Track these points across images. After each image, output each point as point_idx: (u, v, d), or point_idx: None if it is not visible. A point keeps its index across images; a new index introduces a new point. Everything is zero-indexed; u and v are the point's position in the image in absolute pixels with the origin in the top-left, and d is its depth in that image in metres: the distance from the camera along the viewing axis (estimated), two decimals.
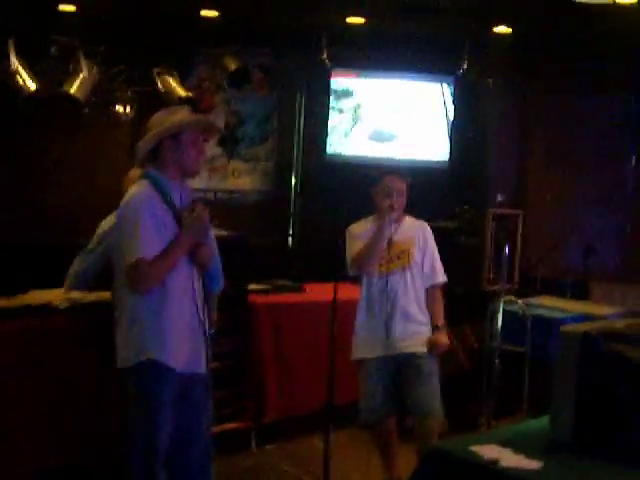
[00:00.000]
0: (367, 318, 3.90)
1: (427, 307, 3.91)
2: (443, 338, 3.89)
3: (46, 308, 3.92)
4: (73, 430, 3.84)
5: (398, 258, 3.87)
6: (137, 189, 2.99)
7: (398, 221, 3.93)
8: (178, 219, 2.97)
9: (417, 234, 3.94)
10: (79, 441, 3.87)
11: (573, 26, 5.80)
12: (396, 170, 4.03)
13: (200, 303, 3.02)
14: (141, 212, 2.88)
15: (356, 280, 5.11)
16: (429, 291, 3.95)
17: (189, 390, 3.04)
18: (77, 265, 3.83)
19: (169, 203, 2.97)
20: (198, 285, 3.05)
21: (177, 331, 2.97)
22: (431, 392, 3.78)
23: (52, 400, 3.81)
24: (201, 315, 3.02)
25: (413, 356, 3.80)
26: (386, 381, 3.86)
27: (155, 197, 2.95)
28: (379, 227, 3.81)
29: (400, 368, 3.84)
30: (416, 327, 3.86)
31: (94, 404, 3.86)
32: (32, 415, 3.75)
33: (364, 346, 3.88)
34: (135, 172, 3.96)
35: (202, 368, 3.06)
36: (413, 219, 4.01)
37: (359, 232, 3.94)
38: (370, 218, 3.99)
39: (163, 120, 3.02)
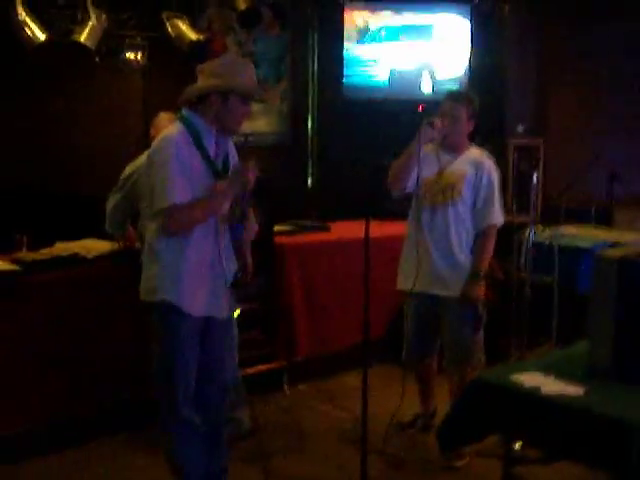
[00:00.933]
0: (408, 249, 3.76)
1: (473, 249, 3.70)
2: (474, 291, 3.66)
3: (73, 259, 3.95)
4: (107, 374, 3.94)
5: (443, 193, 3.67)
6: (169, 133, 2.95)
7: (457, 151, 3.71)
8: (210, 166, 2.93)
9: (472, 170, 3.67)
10: (111, 387, 3.97)
11: None
12: (456, 94, 3.86)
13: (223, 248, 3.00)
14: (171, 158, 2.84)
15: (380, 217, 5.13)
16: (479, 234, 3.72)
17: (210, 331, 3.05)
18: (107, 207, 3.98)
19: (202, 148, 2.92)
20: (223, 230, 3.03)
21: (195, 276, 2.96)
22: (459, 340, 3.69)
23: (84, 348, 3.89)
24: (223, 261, 3.00)
25: (450, 299, 3.68)
26: (425, 321, 3.78)
27: (187, 141, 2.90)
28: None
29: (439, 310, 3.74)
30: (454, 268, 3.68)
31: (126, 349, 3.93)
32: (64, 363, 3.83)
33: (405, 278, 3.75)
34: (165, 115, 3.95)
35: (223, 313, 3.07)
36: (478, 152, 3.76)
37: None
38: (429, 146, 3.73)
39: (218, 72, 2.93)
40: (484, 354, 3.82)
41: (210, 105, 2.93)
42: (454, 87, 6.37)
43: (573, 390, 2.42)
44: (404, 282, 3.76)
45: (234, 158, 3.11)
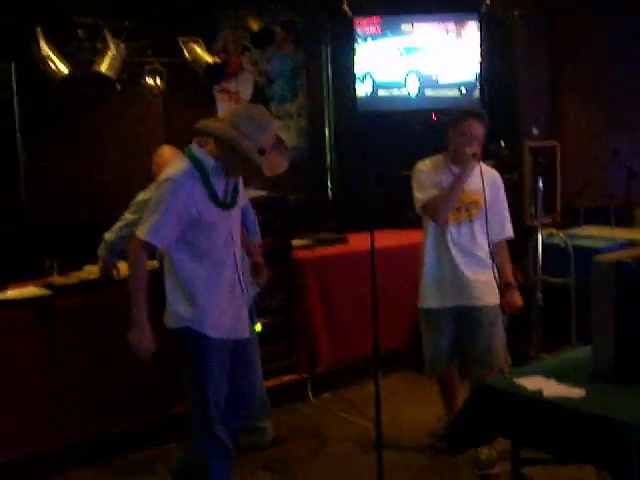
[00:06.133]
0: (437, 266, 3.79)
1: (495, 262, 3.75)
2: (518, 299, 3.81)
3: (102, 281, 4.09)
4: (134, 396, 4.08)
5: (466, 210, 3.73)
6: (174, 170, 3.02)
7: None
8: (215, 200, 3.01)
9: (488, 184, 3.73)
10: (141, 403, 4.12)
11: None
12: (476, 112, 3.79)
13: (241, 270, 3.14)
14: (169, 197, 2.93)
15: (398, 226, 5.23)
16: (496, 245, 3.80)
17: (236, 350, 3.18)
18: (114, 230, 3.98)
19: (208, 184, 3.00)
20: (239, 252, 3.16)
21: (218, 300, 3.08)
22: (490, 346, 3.76)
23: (114, 369, 4.03)
24: (242, 282, 3.14)
25: (478, 308, 3.75)
26: (450, 331, 3.84)
27: (193, 177, 2.98)
28: (458, 177, 3.64)
29: (463, 318, 3.81)
30: (487, 277, 3.75)
31: (155, 371, 4.07)
32: (94, 384, 3.98)
33: (433, 296, 3.81)
34: (167, 149, 4.06)
35: (245, 334, 3.20)
36: (486, 167, 3.81)
37: (429, 173, 3.77)
38: (439, 157, 3.82)
39: (237, 123, 2.97)
40: (509, 355, 3.91)
41: (220, 151, 3.03)
42: (463, 92, 6.44)
43: (575, 392, 2.47)
44: (431, 300, 3.84)
45: (242, 186, 3.23)
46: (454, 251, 3.76)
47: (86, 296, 4.02)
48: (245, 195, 3.33)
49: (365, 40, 6.58)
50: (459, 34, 6.62)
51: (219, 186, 3.05)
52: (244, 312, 3.20)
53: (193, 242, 3.01)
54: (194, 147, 3.08)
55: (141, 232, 2.96)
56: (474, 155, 3.61)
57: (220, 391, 3.13)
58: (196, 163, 3.01)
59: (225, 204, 3.07)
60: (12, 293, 3.92)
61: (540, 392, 2.49)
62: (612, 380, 2.55)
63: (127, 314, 3.98)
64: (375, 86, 6.64)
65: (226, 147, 2.99)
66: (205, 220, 2.99)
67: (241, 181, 3.22)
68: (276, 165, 3.12)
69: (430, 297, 3.84)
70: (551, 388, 2.52)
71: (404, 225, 5.19)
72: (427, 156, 3.91)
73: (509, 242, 3.97)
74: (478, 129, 3.68)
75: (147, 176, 4.10)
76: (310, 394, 4.78)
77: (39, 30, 5.40)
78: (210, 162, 3.02)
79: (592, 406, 2.38)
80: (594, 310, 2.67)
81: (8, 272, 4.18)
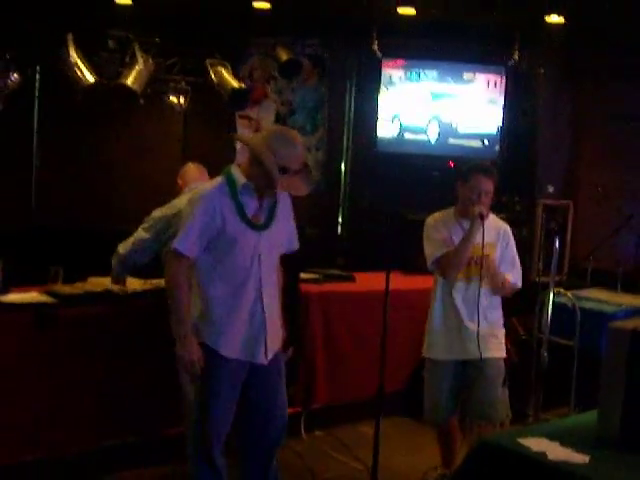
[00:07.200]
0: (444, 320, 3.79)
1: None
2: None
3: (106, 295, 4.07)
4: (131, 410, 4.03)
5: (476, 264, 3.72)
6: (208, 185, 3.20)
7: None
8: (243, 218, 3.09)
9: (498, 237, 3.76)
10: (137, 421, 4.06)
11: (627, 16, 5.71)
12: (485, 168, 3.79)
13: (268, 298, 3.17)
14: (199, 210, 3.08)
15: (406, 270, 5.20)
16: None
17: (254, 374, 3.18)
18: (127, 244, 3.96)
19: (237, 201, 3.09)
20: (269, 279, 3.19)
21: (232, 321, 3.11)
22: (493, 399, 3.74)
23: (113, 382, 3.99)
24: (264, 308, 3.15)
25: (482, 360, 3.73)
26: (455, 382, 3.83)
27: (224, 193, 3.09)
28: (467, 237, 3.66)
29: (467, 370, 3.80)
30: (495, 332, 3.79)
31: (152, 386, 4.03)
32: (94, 397, 3.94)
33: (440, 347, 3.80)
34: (192, 167, 4.08)
35: (260, 359, 3.17)
36: (495, 219, 3.83)
37: (439, 228, 3.79)
38: (450, 211, 3.84)
39: (268, 142, 3.08)
40: (510, 410, 3.87)
41: (251, 165, 3.14)
42: (485, 143, 6.47)
43: (579, 458, 2.43)
44: (437, 351, 3.83)
45: (285, 207, 3.26)
46: (462, 306, 3.76)
47: (89, 308, 3.98)
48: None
49: (391, 81, 6.63)
50: (485, 86, 6.68)
51: (250, 204, 3.13)
52: (262, 338, 3.17)
53: (216, 255, 3.09)
54: (232, 167, 3.20)
55: (173, 242, 3.10)
56: (480, 215, 3.62)
57: (225, 413, 3.11)
58: (229, 181, 3.13)
59: (253, 223, 3.12)
60: (14, 297, 3.88)
61: (544, 454, 2.45)
62: (617, 447, 2.51)
63: (127, 327, 4.02)
64: (402, 129, 6.70)
65: (254, 161, 3.10)
66: (228, 232, 3.06)
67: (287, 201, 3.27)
68: (296, 187, 3.15)
69: (436, 348, 3.84)
70: (555, 451, 2.48)
71: (411, 269, 5.16)
72: (442, 203, 3.92)
73: (514, 295, 3.94)
74: (487, 185, 3.69)
75: (162, 191, 4.10)
76: (302, 430, 4.72)
77: (70, 37, 5.45)
78: (241, 180, 3.12)
79: (596, 473, 2.34)
80: (604, 375, 2.64)
81: (11, 275, 4.15)
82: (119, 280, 4.11)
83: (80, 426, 3.91)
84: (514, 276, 3.83)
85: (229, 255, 3.09)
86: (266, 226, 3.16)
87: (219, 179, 3.17)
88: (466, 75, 6.69)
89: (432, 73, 6.67)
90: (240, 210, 3.09)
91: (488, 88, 6.70)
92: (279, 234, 3.24)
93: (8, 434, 3.67)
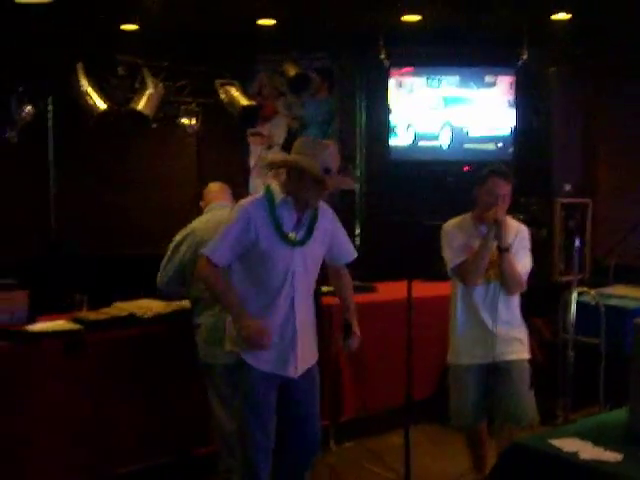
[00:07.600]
0: (467, 324, 3.79)
1: None
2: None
3: (130, 319, 4.10)
4: (161, 431, 4.06)
5: (493, 268, 3.70)
6: (248, 199, 3.24)
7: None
8: (279, 233, 3.12)
9: (515, 240, 3.73)
10: (167, 441, 4.09)
11: (633, 10, 5.69)
12: (502, 171, 3.76)
13: (300, 313, 3.20)
14: (234, 222, 3.12)
15: (425, 277, 5.19)
16: None
17: (288, 387, 3.22)
18: (158, 281, 3.97)
19: (274, 216, 3.12)
20: (302, 296, 3.22)
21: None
22: (520, 401, 3.72)
23: (142, 404, 4.03)
24: (297, 324, 3.18)
25: (507, 362, 3.73)
26: (481, 386, 3.81)
27: (262, 208, 3.13)
28: (484, 242, 3.65)
29: (492, 373, 3.77)
30: (517, 333, 3.78)
31: (181, 406, 4.05)
32: (125, 419, 3.97)
33: (463, 352, 3.80)
34: (213, 187, 4.09)
35: (290, 373, 3.20)
36: (512, 221, 3.82)
37: (457, 234, 3.78)
38: (466, 216, 3.83)
39: (300, 149, 3.15)
40: (538, 412, 3.84)
41: (289, 178, 3.17)
42: (499, 145, 6.45)
43: (611, 456, 2.42)
44: (461, 357, 3.83)
45: (327, 222, 3.29)
46: (483, 310, 3.75)
47: (116, 333, 4.01)
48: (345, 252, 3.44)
49: (400, 90, 6.65)
50: (495, 88, 6.68)
51: (288, 219, 3.15)
52: (293, 352, 3.19)
53: (250, 269, 3.14)
54: (273, 182, 3.24)
55: (205, 248, 3.15)
56: (496, 221, 3.61)
57: (265, 425, 3.15)
58: (268, 195, 3.16)
59: (290, 239, 3.13)
60: (42, 326, 3.91)
61: (576, 454, 2.44)
62: None
63: (154, 352, 4.04)
64: (417, 137, 6.73)
65: (294, 174, 3.13)
66: (262, 245, 3.09)
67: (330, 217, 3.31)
68: (344, 182, 3.21)
69: (459, 353, 3.83)
70: (587, 450, 2.47)
71: (431, 276, 5.15)
72: (457, 208, 3.91)
73: (537, 296, 3.97)
74: (503, 188, 3.68)
75: (180, 215, 4.12)
76: (332, 442, 4.71)
77: (80, 66, 5.52)
78: (279, 195, 3.15)
79: (629, 471, 2.33)
80: (633, 372, 2.62)
81: (35, 305, 4.19)
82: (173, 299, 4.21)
83: (112, 449, 3.93)
84: (522, 263, 3.76)
85: (262, 269, 3.12)
86: (302, 242, 3.17)
87: (259, 194, 3.21)
88: (476, 78, 6.68)
89: (442, 79, 6.67)
90: (276, 224, 3.11)
91: (498, 90, 6.70)
92: (316, 250, 3.26)
93: (43, 459, 3.70)
